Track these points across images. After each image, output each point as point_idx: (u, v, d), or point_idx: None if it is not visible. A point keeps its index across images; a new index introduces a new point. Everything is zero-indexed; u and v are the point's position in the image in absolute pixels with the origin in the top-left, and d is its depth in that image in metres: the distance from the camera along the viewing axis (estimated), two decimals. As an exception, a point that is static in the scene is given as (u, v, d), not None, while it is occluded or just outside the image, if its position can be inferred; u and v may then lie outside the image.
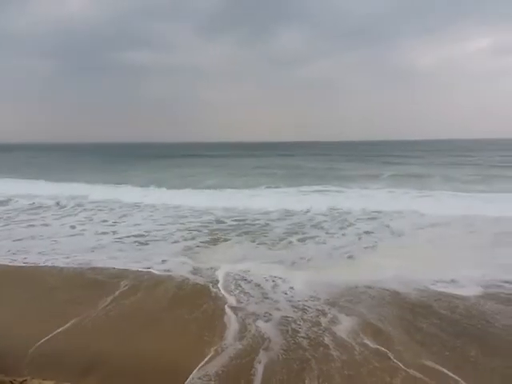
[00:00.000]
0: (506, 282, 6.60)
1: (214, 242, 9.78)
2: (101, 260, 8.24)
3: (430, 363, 4.42)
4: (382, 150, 72.91)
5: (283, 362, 4.49)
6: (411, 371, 4.24)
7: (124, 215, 13.13)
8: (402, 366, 4.33)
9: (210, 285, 6.86)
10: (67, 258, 8.36)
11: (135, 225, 11.64)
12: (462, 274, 6.87)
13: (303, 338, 5.03)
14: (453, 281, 6.67)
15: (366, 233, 10.32)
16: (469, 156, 45.97)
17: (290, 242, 9.63)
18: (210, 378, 4.19)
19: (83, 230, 11.05)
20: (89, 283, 7.04)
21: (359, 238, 9.84)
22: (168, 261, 8.19)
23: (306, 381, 4.13)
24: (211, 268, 7.68)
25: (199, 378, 4.17)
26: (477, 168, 29.81)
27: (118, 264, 7.97)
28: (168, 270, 7.62)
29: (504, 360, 4.51)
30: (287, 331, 5.20)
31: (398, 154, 52.95)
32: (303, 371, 4.30)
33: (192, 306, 6.06)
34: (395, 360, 4.45)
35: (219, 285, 6.85)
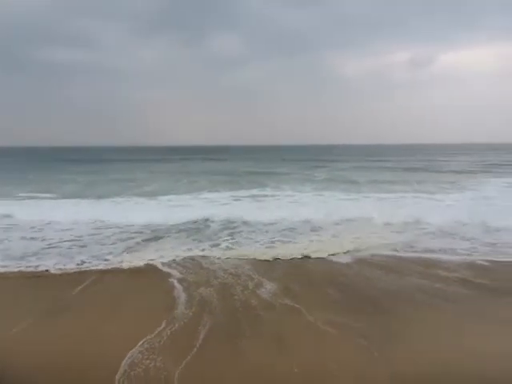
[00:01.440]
0: (369, 253, 9.23)
1: (155, 239, 10.66)
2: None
3: (333, 316, 5.72)
4: (313, 154, 77.21)
5: (223, 324, 5.49)
6: (321, 324, 5.47)
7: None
8: (313, 320, 5.57)
9: (154, 266, 8.28)
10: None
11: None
12: (343, 250, 9.46)
13: (237, 300, 6.33)
14: (334, 254, 9.16)
15: (289, 229, 11.83)
16: (389, 161, 51.20)
17: (220, 237, 10.93)
18: (154, 348, 4.83)
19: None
20: (34, 287, 7.25)
21: (281, 232, 11.45)
22: (113, 257, 8.90)
23: (237, 340, 5.06)
24: (154, 257, 8.87)
25: (140, 353, 4.71)
26: (396, 171, 33.88)
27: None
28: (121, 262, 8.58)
29: (388, 311, 6.01)
30: (224, 295, 6.55)
31: (326, 159, 56.63)
32: (238, 332, 5.29)
33: (140, 286, 7.13)
34: (308, 315, 5.72)
35: (162, 265, 8.31)
